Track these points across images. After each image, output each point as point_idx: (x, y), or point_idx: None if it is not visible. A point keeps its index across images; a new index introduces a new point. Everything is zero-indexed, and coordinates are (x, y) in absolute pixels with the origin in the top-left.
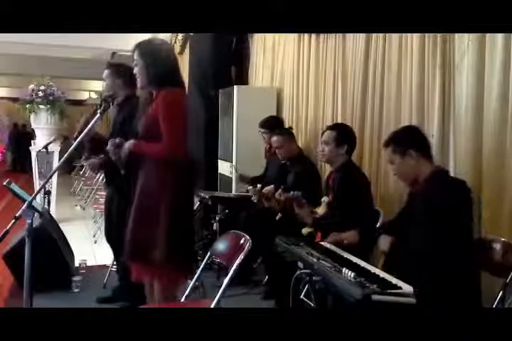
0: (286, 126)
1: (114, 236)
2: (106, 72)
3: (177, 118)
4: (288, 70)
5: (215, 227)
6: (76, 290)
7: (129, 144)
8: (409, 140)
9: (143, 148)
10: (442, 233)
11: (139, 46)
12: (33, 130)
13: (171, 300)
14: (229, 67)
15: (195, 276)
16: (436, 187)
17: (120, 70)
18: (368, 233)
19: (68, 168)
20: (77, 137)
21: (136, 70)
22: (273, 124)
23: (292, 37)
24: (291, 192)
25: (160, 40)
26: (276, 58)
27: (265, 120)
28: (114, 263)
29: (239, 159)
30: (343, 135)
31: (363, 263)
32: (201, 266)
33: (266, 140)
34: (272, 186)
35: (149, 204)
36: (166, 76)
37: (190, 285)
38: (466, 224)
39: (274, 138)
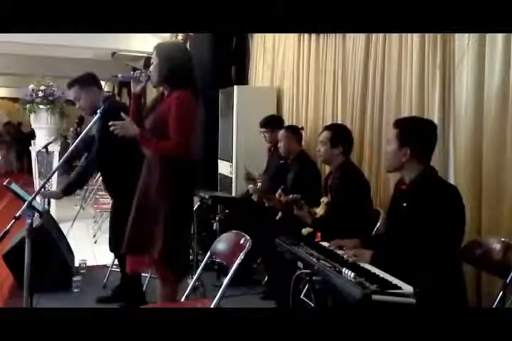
0: (286, 125)
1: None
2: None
3: (185, 120)
4: (288, 70)
5: (215, 227)
6: (76, 290)
7: (136, 129)
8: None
9: (150, 141)
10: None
11: (158, 47)
12: (32, 130)
13: (171, 298)
14: (229, 67)
15: (195, 276)
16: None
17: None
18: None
19: (68, 168)
20: None
21: (151, 68)
22: (273, 123)
23: (292, 37)
24: (290, 196)
25: (178, 44)
26: (276, 58)
27: (265, 119)
28: (115, 263)
29: (239, 159)
30: (338, 135)
31: (362, 263)
32: (201, 266)
33: (267, 139)
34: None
35: (149, 203)
36: (178, 77)
37: (190, 285)
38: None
39: (281, 133)
